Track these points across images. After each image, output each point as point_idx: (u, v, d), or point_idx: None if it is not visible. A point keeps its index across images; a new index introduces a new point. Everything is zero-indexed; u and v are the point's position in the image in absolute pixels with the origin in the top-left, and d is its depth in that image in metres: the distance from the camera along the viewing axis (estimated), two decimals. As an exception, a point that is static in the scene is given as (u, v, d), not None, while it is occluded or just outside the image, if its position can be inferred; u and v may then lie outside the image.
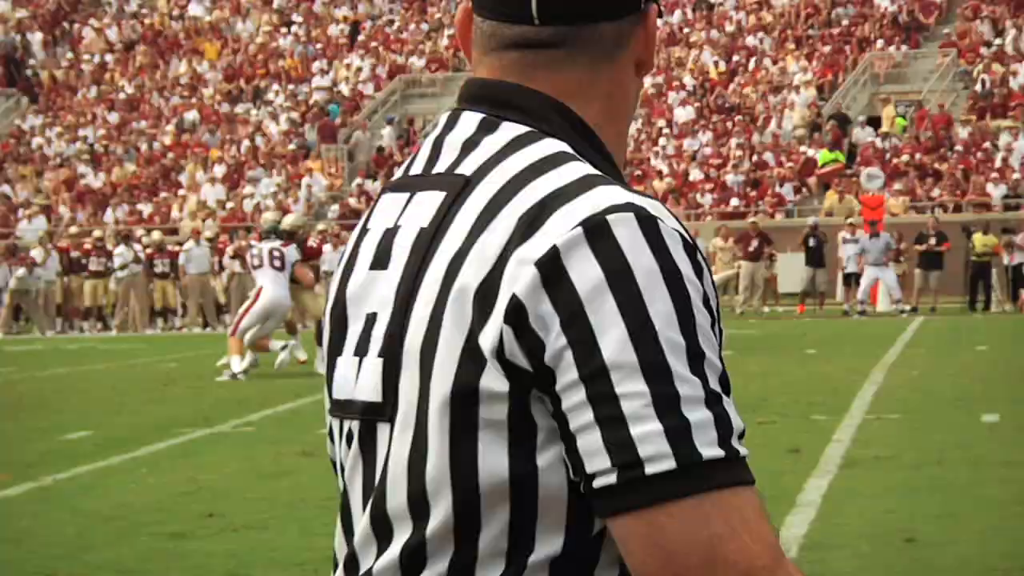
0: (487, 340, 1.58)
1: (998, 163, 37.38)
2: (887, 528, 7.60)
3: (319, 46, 48.92)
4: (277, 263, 18.77)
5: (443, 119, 1.76)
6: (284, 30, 50.04)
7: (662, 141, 41.38)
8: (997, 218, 33.78)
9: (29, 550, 7.90)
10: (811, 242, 32.26)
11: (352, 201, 41.16)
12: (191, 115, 46.56)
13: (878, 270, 30.83)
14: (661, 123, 42.14)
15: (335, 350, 1.75)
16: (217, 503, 9.03)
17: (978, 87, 40.76)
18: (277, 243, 18.96)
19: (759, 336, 24.07)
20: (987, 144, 38.30)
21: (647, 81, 43.82)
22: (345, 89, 46.63)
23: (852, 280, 31.71)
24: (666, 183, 39.11)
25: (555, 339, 1.56)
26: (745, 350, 20.92)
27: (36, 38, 51.47)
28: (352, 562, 1.71)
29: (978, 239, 31.06)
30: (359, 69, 47.27)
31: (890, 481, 9.13)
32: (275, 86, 47.63)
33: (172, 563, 7.43)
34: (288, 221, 20.70)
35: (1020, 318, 28.66)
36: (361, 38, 48.93)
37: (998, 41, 42.03)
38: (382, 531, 1.66)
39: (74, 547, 7.92)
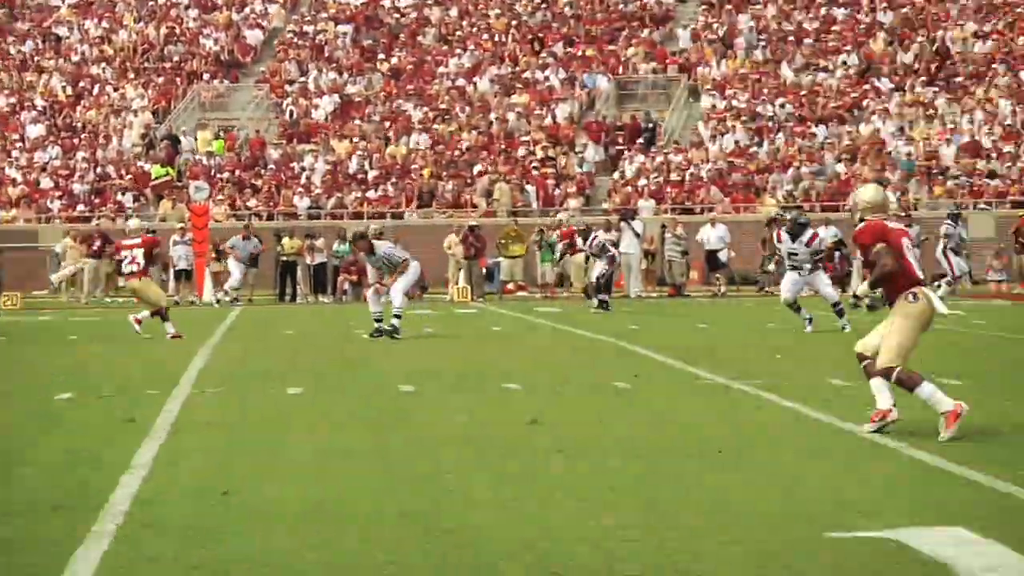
0: None
1: (303, 180, 38.12)
2: (209, 482, 7.49)
3: None
4: None
5: None
6: None
7: (15, 153, 39.80)
8: (303, 225, 34.48)
9: None
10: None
11: None
12: None
13: (239, 266, 30.93)
14: (15, 137, 40.54)
15: None
16: None
17: (287, 116, 41.43)
18: None
19: (102, 323, 23.37)
20: (294, 164, 38.99)
21: (1, 101, 41.96)
22: None
23: (182, 277, 31.44)
24: (19, 190, 37.69)
25: None
26: (88, 337, 20.34)
27: None
28: None
29: (287, 242, 31.63)
30: None
31: (213, 443, 9.04)
32: None
33: None
34: None
35: (290, 307, 29.32)
36: None
37: (303, 79, 42.88)
38: None
39: None
